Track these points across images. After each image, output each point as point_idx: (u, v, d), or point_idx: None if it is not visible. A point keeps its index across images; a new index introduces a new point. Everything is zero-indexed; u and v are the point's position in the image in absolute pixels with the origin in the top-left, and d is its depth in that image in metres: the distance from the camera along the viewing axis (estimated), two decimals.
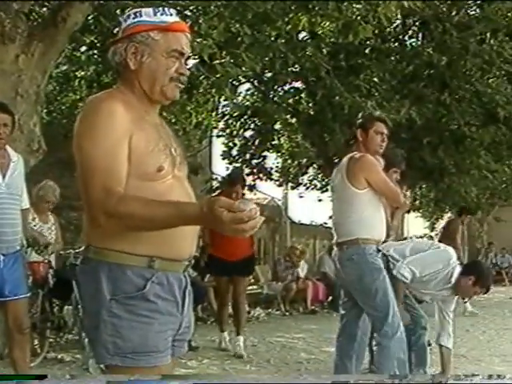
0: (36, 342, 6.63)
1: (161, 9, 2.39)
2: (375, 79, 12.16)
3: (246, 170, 15.81)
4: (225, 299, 7.88)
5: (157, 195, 2.23)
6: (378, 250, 4.75)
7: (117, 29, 2.53)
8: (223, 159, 16.10)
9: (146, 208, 2.14)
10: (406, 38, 13.10)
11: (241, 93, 14.26)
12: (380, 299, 4.63)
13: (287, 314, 12.28)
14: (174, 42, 2.38)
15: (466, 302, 12.04)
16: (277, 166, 17.37)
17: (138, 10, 2.40)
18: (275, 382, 2.93)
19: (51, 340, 6.94)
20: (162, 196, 2.24)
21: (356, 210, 4.69)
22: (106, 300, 2.22)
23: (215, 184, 15.30)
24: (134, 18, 2.37)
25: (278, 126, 15.25)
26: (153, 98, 2.40)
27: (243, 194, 7.51)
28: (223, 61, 8.39)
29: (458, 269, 5.32)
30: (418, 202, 20.72)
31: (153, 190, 2.23)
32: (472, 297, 5.92)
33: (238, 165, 15.57)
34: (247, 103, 14.63)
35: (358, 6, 7.77)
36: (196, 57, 9.72)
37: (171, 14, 2.39)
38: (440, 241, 12.84)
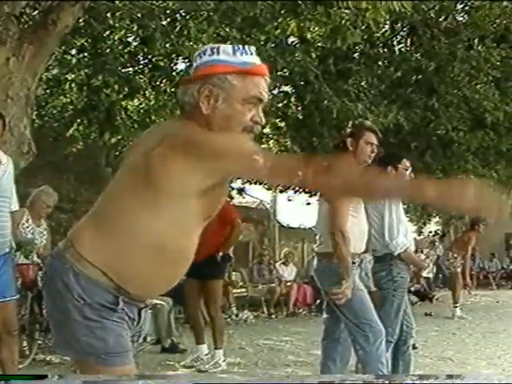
0: (25, 343, 6.65)
1: (241, 47, 2.23)
2: (363, 84, 12.20)
3: None
4: (194, 308, 7.03)
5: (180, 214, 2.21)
6: (353, 263, 4.74)
7: (191, 67, 2.31)
8: None
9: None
10: (395, 43, 13.13)
11: None
12: (355, 307, 4.65)
13: (273, 316, 12.35)
14: (253, 87, 2.19)
15: (456, 307, 12.15)
16: None
17: (216, 46, 2.24)
18: (263, 383, 2.96)
19: (40, 342, 6.95)
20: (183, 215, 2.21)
21: None
22: (78, 303, 2.18)
23: None
24: (210, 55, 2.21)
25: (266, 130, 15.27)
26: None
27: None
28: None
29: None
30: (405, 206, 20.71)
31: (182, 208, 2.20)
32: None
33: None
34: None
35: (346, 10, 7.77)
36: (185, 61, 9.78)
37: (251, 54, 2.23)
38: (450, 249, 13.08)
